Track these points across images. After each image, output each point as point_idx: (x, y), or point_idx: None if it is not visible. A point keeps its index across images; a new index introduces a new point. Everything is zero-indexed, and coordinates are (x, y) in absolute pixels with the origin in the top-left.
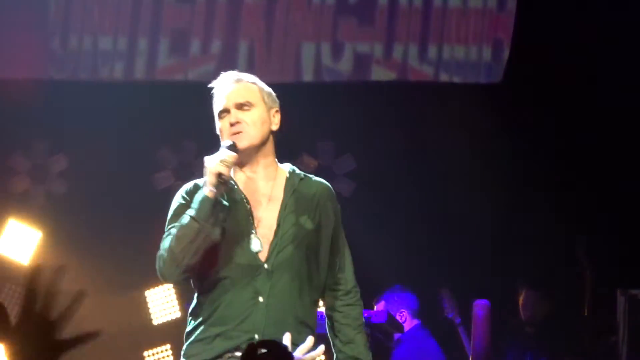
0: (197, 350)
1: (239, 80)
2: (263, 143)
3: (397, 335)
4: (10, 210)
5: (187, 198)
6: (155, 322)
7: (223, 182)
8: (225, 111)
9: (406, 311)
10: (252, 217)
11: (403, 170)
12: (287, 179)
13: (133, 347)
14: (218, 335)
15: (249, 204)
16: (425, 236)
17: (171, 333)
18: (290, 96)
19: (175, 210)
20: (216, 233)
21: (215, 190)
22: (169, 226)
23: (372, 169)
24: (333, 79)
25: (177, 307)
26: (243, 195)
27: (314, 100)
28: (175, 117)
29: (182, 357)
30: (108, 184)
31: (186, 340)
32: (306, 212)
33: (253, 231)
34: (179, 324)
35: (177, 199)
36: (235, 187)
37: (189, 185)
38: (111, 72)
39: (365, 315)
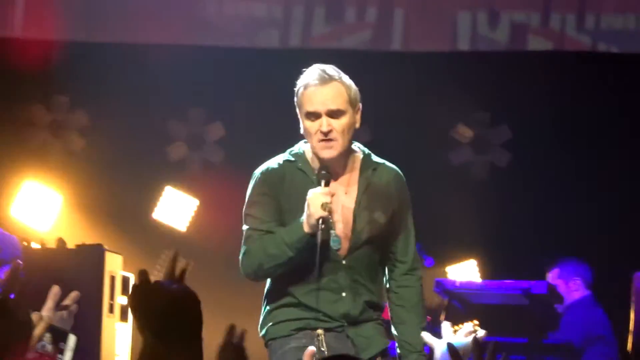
0: (282, 329)
1: (329, 80)
2: (349, 145)
3: (567, 303)
4: (167, 177)
5: (267, 189)
6: None
7: (323, 223)
8: (315, 115)
9: (579, 280)
10: (331, 214)
11: (558, 141)
12: (361, 170)
13: None
14: (306, 319)
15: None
16: (583, 205)
17: None
18: (445, 65)
19: (254, 199)
20: (303, 258)
21: (315, 229)
22: (247, 216)
23: (527, 139)
24: (489, 48)
25: None
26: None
27: (469, 70)
28: None
29: (267, 341)
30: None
31: (263, 325)
32: (380, 207)
33: (332, 231)
34: None
35: (256, 186)
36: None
37: (268, 171)
38: (267, 39)
39: (525, 285)
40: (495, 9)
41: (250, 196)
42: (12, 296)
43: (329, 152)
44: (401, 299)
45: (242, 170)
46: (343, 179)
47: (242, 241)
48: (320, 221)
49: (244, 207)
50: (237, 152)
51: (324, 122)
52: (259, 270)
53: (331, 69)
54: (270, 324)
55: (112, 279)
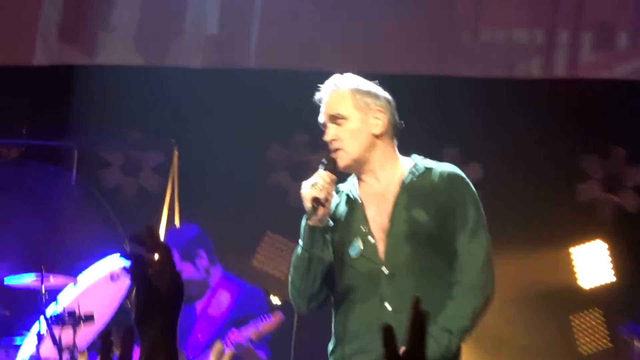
0: None
1: (332, 88)
2: (367, 152)
3: None
4: None
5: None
6: (583, 284)
7: (321, 206)
8: (323, 126)
9: None
10: (367, 220)
11: None
12: (405, 175)
13: (558, 310)
14: (356, 352)
15: (364, 208)
16: None
17: (602, 298)
18: None
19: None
20: (328, 255)
21: (314, 216)
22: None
23: None
24: None
25: (611, 271)
26: (360, 200)
27: None
28: None
29: None
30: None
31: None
32: (421, 205)
33: (368, 236)
34: (612, 289)
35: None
36: (353, 193)
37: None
38: (527, 68)
39: None
40: None
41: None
42: None
43: (340, 162)
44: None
45: None
46: (381, 187)
47: None
48: (315, 204)
49: None
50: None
51: (328, 130)
52: (296, 292)
53: (343, 78)
54: None
55: None
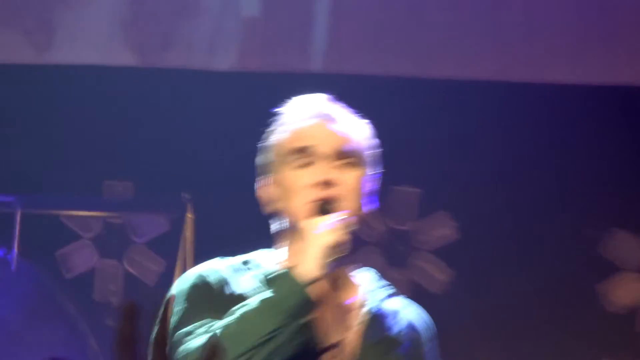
0: None
1: (339, 115)
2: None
3: None
4: None
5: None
6: None
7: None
8: (310, 154)
9: None
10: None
11: None
12: (363, 297)
13: None
14: None
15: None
16: None
17: None
18: None
19: (188, 313)
20: (296, 342)
21: (327, 268)
22: (182, 338)
23: None
24: None
25: None
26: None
27: None
28: None
29: None
30: None
31: None
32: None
33: None
34: None
35: (190, 294)
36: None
37: (204, 270)
38: None
39: None
40: None
41: (175, 319)
42: None
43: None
44: None
45: None
46: (337, 298)
47: None
48: (339, 256)
49: None
50: None
51: (322, 168)
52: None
53: (341, 109)
54: None
55: None
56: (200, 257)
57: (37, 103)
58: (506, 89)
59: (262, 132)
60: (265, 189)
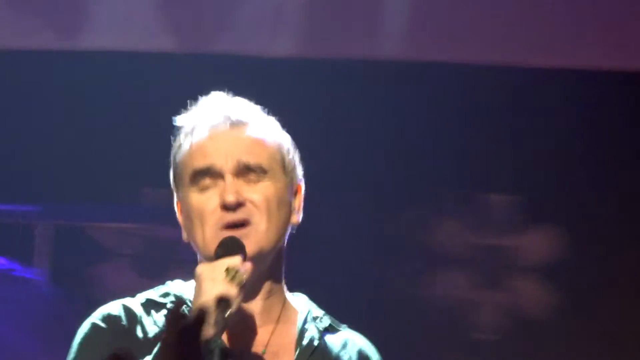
0: None
1: (241, 122)
2: (278, 246)
3: None
4: None
5: (109, 332)
6: None
7: (226, 316)
8: (210, 174)
9: None
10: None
11: None
12: (301, 326)
13: None
14: None
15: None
16: None
17: None
18: None
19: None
20: None
21: (216, 328)
22: None
23: None
24: None
25: None
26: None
27: None
28: None
29: None
30: None
31: None
32: None
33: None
34: None
35: (88, 334)
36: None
37: (113, 309)
38: None
39: None
40: None
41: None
42: None
43: (250, 245)
44: None
45: None
46: (265, 333)
47: None
48: (221, 307)
49: None
50: None
51: (229, 186)
52: None
53: (245, 106)
54: None
55: None
56: None
57: (66, 92)
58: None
59: (327, 127)
60: (177, 214)
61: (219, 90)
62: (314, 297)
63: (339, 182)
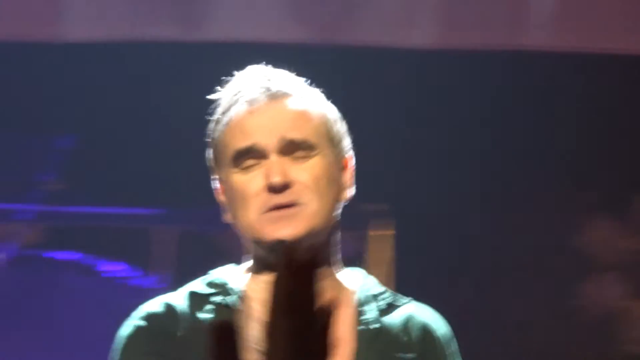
0: None
1: (282, 93)
2: (330, 225)
3: None
4: None
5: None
6: None
7: None
8: (253, 153)
9: None
10: None
11: None
12: (358, 309)
13: None
14: None
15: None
16: None
17: None
18: None
19: None
20: None
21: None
22: None
23: None
24: None
25: None
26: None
27: None
28: None
29: None
30: None
31: None
32: None
33: None
34: None
35: (130, 334)
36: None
37: (154, 307)
38: None
39: None
40: None
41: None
42: None
43: (296, 228)
44: None
45: None
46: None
47: None
48: None
49: None
50: None
51: (274, 165)
52: None
53: (291, 79)
54: None
55: None
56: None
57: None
58: None
59: (472, 123)
60: (218, 195)
61: (360, 84)
62: (458, 304)
63: (496, 183)
